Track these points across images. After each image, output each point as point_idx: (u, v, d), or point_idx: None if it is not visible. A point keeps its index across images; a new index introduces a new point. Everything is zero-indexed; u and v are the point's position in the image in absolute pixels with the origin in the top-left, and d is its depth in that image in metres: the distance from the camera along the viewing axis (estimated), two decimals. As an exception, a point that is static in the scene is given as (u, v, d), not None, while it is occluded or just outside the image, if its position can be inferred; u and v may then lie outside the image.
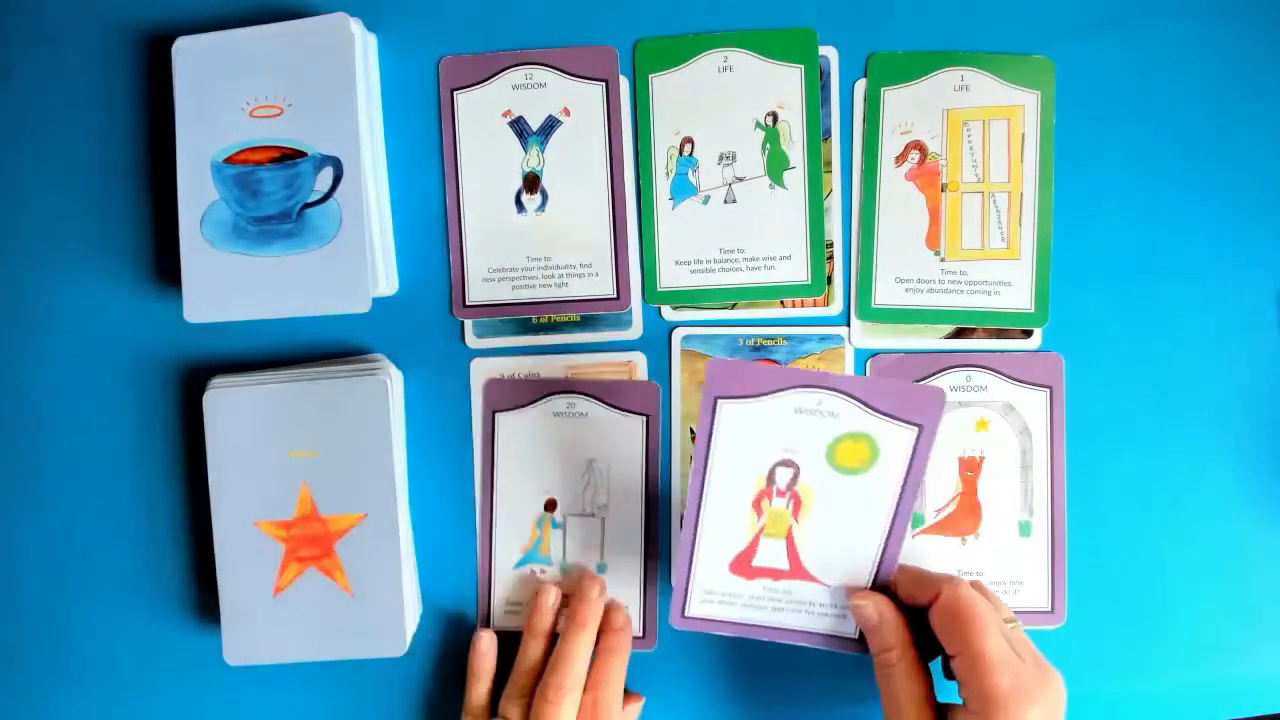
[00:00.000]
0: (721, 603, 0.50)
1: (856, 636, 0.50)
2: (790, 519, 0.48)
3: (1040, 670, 0.44)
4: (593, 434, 0.54)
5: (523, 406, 0.54)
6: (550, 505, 0.54)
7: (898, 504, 0.47)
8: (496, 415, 0.54)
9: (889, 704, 0.46)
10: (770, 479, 0.48)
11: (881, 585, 0.49)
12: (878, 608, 0.48)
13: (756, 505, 0.48)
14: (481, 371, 0.55)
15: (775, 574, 0.49)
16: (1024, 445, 0.54)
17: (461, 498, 0.55)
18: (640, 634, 0.55)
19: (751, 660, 0.55)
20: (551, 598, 0.53)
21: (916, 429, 0.46)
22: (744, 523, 0.49)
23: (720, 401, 0.46)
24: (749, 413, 0.46)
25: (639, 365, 0.54)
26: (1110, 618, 0.55)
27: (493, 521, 0.55)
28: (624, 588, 0.54)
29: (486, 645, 0.54)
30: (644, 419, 0.54)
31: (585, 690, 0.50)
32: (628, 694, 0.54)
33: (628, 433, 0.54)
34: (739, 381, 0.46)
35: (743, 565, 0.49)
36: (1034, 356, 0.54)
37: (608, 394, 0.54)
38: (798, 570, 0.49)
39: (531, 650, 0.52)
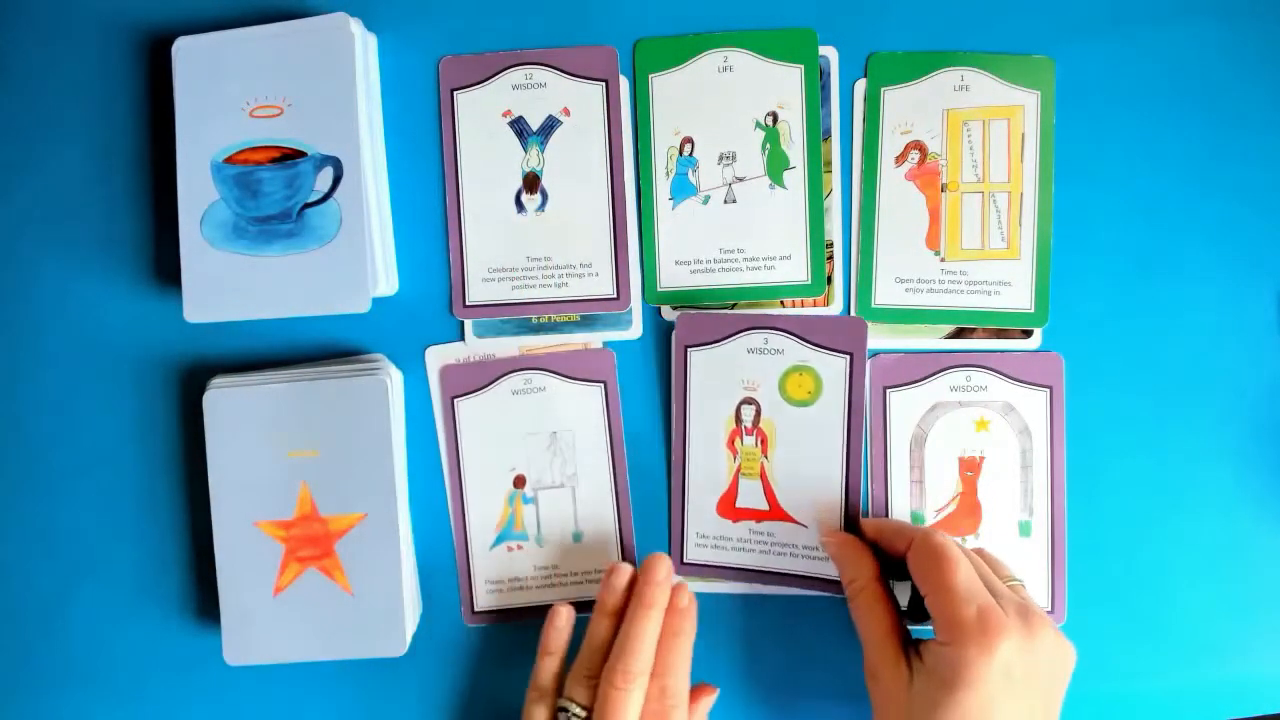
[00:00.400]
0: (714, 547, 0.54)
1: (838, 577, 0.52)
2: (761, 456, 0.53)
3: (1022, 618, 0.44)
4: (553, 407, 0.54)
5: (481, 389, 0.54)
6: (519, 482, 0.55)
7: (847, 435, 0.52)
8: (455, 401, 0.54)
9: (861, 636, 0.49)
10: (738, 418, 0.54)
11: (855, 526, 0.53)
12: (840, 544, 0.51)
13: (730, 445, 0.54)
14: (436, 359, 0.55)
15: (757, 515, 0.54)
16: (1024, 445, 0.54)
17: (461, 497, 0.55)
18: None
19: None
20: (624, 577, 0.51)
21: (847, 357, 0.52)
22: (722, 463, 0.54)
23: (689, 350, 0.53)
24: (713, 357, 0.53)
25: (593, 339, 0.55)
26: (1110, 617, 0.55)
27: (464, 505, 0.55)
28: (600, 553, 0.55)
29: (564, 620, 0.51)
30: (602, 385, 0.54)
31: (652, 677, 0.48)
32: (700, 685, 0.53)
33: (587, 401, 0.54)
34: (702, 330, 0.53)
35: (728, 507, 0.54)
36: (1034, 356, 0.54)
37: (563, 366, 0.54)
38: (776, 511, 0.54)
39: (600, 629, 0.50)
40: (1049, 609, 0.54)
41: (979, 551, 0.51)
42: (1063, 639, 0.45)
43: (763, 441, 0.54)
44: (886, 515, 0.54)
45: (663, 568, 0.50)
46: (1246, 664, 0.55)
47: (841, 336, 0.52)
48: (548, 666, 0.51)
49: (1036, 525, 0.54)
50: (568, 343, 0.55)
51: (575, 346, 0.55)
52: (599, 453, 0.55)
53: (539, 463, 0.55)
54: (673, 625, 0.49)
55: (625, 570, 0.51)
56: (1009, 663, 0.43)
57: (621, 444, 0.55)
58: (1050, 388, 0.54)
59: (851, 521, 0.53)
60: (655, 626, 0.49)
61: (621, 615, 0.50)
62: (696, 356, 0.54)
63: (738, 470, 0.54)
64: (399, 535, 0.52)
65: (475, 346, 0.55)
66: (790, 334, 0.53)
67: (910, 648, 0.47)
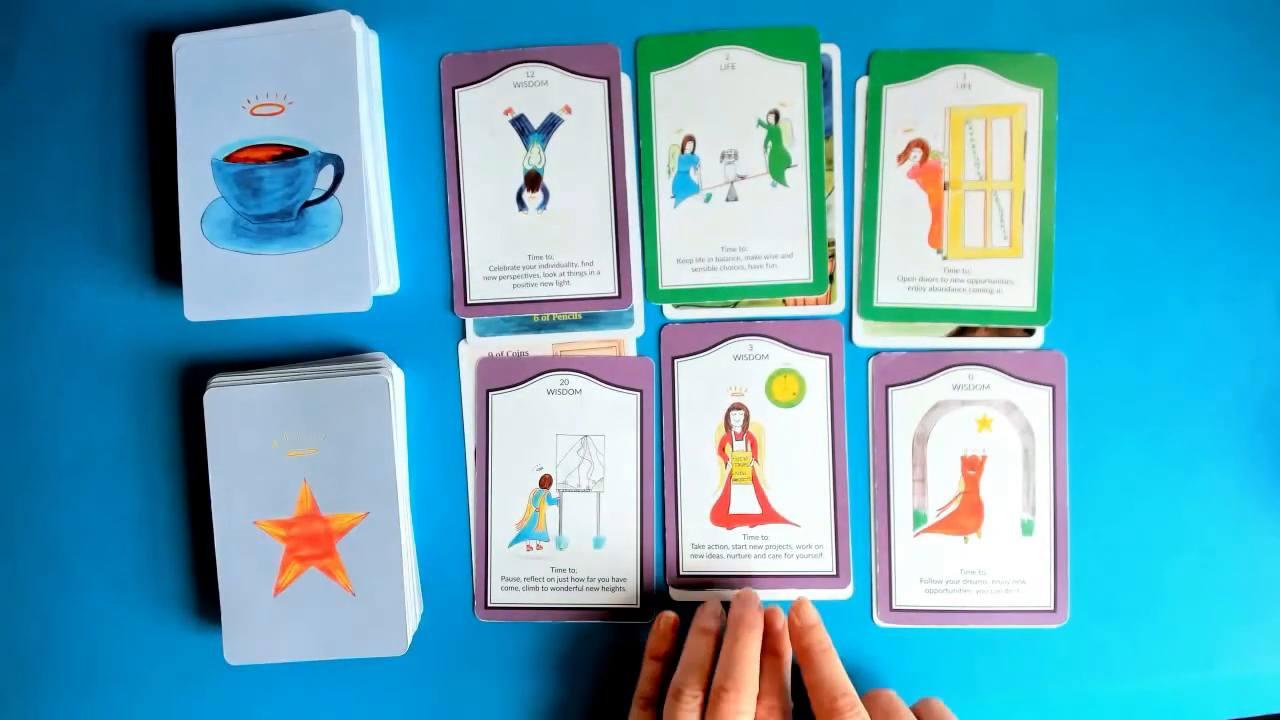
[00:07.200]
0: (710, 556, 0.54)
1: (834, 573, 0.54)
2: (751, 460, 0.54)
3: None
4: (587, 410, 0.54)
5: (517, 385, 0.54)
6: (545, 481, 0.55)
7: (832, 434, 0.54)
8: (490, 394, 0.54)
9: None
10: (727, 424, 0.54)
11: (843, 521, 0.54)
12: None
13: (721, 451, 0.54)
14: (473, 352, 0.55)
15: (751, 520, 0.54)
16: (1026, 444, 0.54)
17: (462, 496, 0.55)
18: (638, 605, 0.55)
19: None
20: (718, 602, 0.52)
21: (827, 357, 0.53)
22: (714, 470, 0.54)
23: (677, 360, 0.54)
24: (701, 366, 0.54)
25: (626, 343, 0.55)
26: (1112, 617, 0.54)
27: (489, 499, 0.55)
28: (621, 561, 0.55)
29: (669, 626, 0.52)
30: (638, 394, 0.54)
31: (758, 698, 0.48)
32: None
33: (622, 409, 0.54)
34: (689, 340, 0.54)
35: (721, 515, 0.54)
36: (1036, 355, 0.54)
37: (601, 370, 0.54)
38: (769, 513, 0.54)
39: (701, 646, 0.49)
40: (1051, 608, 0.54)
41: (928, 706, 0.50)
42: None
43: (753, 445, 0.54)
44: (888, 513, 0.54)
45: (757, 594, 0.52)
46: (1246, 664, 0.54)
47: (819, 338, 0.54)
48: (651, 671, 0.51)
49: (1039, 524, 0.54)
50: (591, 340, 0.55)
51: (607, 344, 0.54)
52: (628, 460, 0.55)
53: (567, 464, 0.55)
54: (772, 646, 0.50)
55: (717, 601, 0.53)
56: None
57: (652, 454, 0.55)
58: (1053, 386, 0.53)
59: (841, 517, 0.54)
60: (758, 646, 0.49)
61: (717, 637, 0.50)
62: (684, 367, 0.54)
63: (729, 476, 0.54)
64: (400, 534, 0.52)
65: (508, 342, 0.55)
66: (773, 338, 0.54)
67: None
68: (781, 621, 0.51)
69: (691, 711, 0.47)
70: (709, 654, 0.49)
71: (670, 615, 0.52)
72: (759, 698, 0.48)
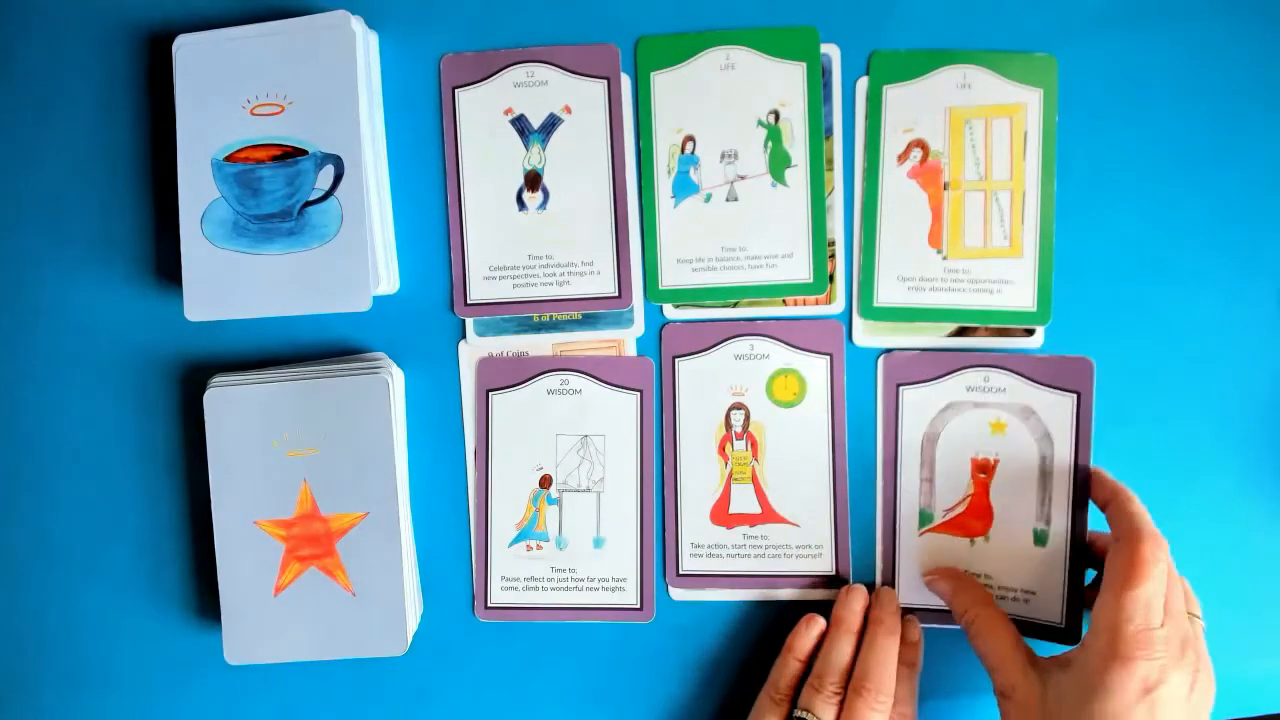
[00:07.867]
0: (710, 555, 0.55)
1: (833, 573, 0.54)
2: (751, 460, 0.54)
3: (1177, 649, 0.44)
4: (587, 410, 0.54)
5: (517, 385, 0.54)
6: (545, 481, 0.55)
7: (832, 434, 0.54)
8: (490, 394, 0.54)
9: (985, 661, 0.49)
10: (728, 423, 0.54)
11: (844, 522, 0.54)
12: (947, 579, 0.52)
13: (721, 450, 0.54)
14: (473, 352, 0.55)
15: (750, 519, 0.54)
16: (1044, 451, 0.53)
17: (462, 495, 0.55)
18: (638, 605, 0.55)
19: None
20: (863, 599, 0.52)
21: (827, 357, 0.53)
22: (714, 469, 0.54)
23: (677, 360, 0.54)
24: (701, 366, 0.54)
25: (626, 343, 0.55)
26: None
27: (489, 499, 0.55)
28: (621, 561, 0.55)
29: (819, 629, 0.52)
30: (638, 394, 0.54)
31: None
32: None
33: (622, 408, 0.54)
34: (689, 340, 0.54)
35: (721, 514, 0.55)
36: (1062, 360, 0.52)
37: (601, 370, 0.54)
38: (769, 513, 0.54)
39: (845, 648, 0.51)
40: (1060, 622, 0.52)
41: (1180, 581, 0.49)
42: (1204, 688, 0.45)
43: (753, 445, 0.54)
44: (894, 513, 0.54)
45: (896, 598, 0.53)
46: (1246, 664, 0.54)
47: (820, 338, 0.54)
48: (793, 670, 0.51)
49: (1054, 535, 0.52)
50: (591, 340, 0.55)
51: (607, 344, 0.54)
52: (628, 461, 0.55)
53: (567, 464, 0.55)
54: (907, 657, 0.52)
55: (863, 592, 0.53)
56: (1147, 678, 0.43)
57: (652, 454, 0.55)
58: (1078, 393, 0.52)
59: (841, 517, 0.54)
60: (896, 651, 0.50)
61: (858, 637, 0.52)
62: (685, 366, 0.54)
63: (729, 476, 0.54)
64: (400, 534, 0.52)
65: (508, 342, 0.55)
66: (774, 339, 0.54)
67: (1035, 661, 0.48)
68: (917, 632, 0.53)
69: (832, 705, 0.49)
70: (852, 654, 0.51)
71: (821, 620, 0.53)
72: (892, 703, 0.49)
